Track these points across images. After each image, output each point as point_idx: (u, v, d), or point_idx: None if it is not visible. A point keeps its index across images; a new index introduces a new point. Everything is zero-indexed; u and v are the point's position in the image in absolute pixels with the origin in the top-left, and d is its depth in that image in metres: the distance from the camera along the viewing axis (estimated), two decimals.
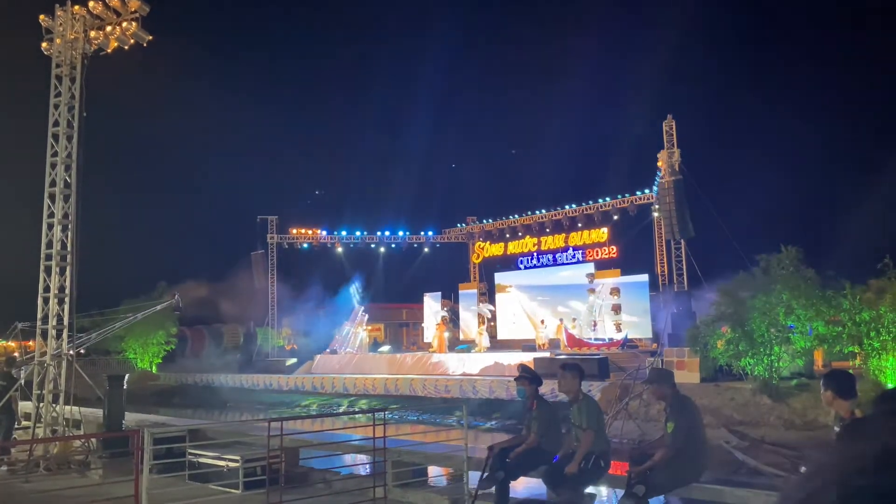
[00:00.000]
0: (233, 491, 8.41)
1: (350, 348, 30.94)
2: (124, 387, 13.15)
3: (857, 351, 15.68)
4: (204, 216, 55.28)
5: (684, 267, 26.18)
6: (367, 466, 8.89)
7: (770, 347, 16.10)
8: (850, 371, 10.75)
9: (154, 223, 55.77)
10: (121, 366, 33.55)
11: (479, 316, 30.79)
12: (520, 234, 32.55)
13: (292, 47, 69.99)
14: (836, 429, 4.87)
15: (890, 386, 14.54)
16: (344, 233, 36.24)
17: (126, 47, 13.75)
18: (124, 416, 12.95)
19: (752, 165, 35.89)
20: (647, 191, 28.73)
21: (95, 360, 33.97)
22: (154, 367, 35.56)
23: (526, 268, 31.94)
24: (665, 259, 28.42)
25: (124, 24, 13.49)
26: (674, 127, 26.05)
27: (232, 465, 8.87)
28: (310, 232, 36.01)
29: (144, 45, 13.82)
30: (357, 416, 21.65)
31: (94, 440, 11.91)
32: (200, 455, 9.42)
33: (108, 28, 13.55)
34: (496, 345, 29.92)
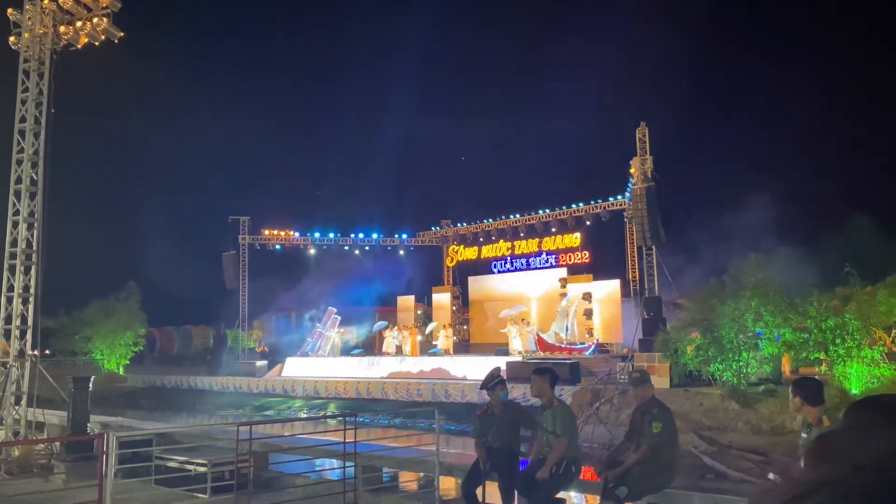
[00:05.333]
0: (200, 496, 8.28)
1: (321, 351, 30.74)
2: (90, 389, 12.89)
3: (822, 357, 15.94)
4: (175, 216, 54.57)
5: (655, 273, 26.45)
6: (338, 471, 8.82)
7: (739, 353, 16.31)
8: (817, 377, 10.93)
9: (124, 222, 54.94)
10: (87, 367, 32.97)
11: (444, 324, 30.77)
12: (494, 238, 32.63)
13: (267, 47, 69.52)
14: (804, 434, 4.93)
15: (854, 392, 14.81)
16: (317, 234, 36.02)
17: (97, 43, 13.55)
18: (89, 419, 12.70)
19: (724, 173, 36.47)
20: (619, 197, 28.98)
21: (61, 362, 33.34)
22: (121, 369, 34.99)
23: (500, 272, 32.02)
24: (636, 265, 28.68)
25: (95, 20, 13.29)
26: (647, 134, 26.32)
27: (200, 469, 8.73)
28: (282, 233, 35.72)
29: (116, 41, 13.63)
30: (328, 420, 21.48)
31: (57, 443, 11.66)
32: (168, 459, 9.26)
33: (79, 23, 13.34)
34: (470, 348, 29.98)
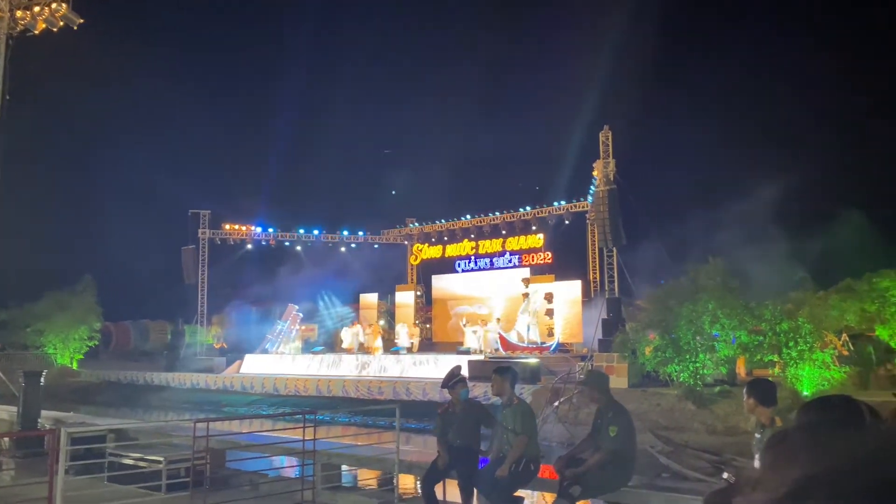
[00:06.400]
0: (155, 493, 8.13)
1: (282, 348, 30.45)
2: (41, 383, 12.56)
3: (776, 359, 16.32)
4: (134, 208, 53.48)
5: (615, 274, 26.77)
6: (296, 469, 8.76)
7: (695, 355, 16.61)
8: (770, 379, 11.19)
9: (81, 214, 53.64)
10: (38, 361, 32.10)
11: (413, 323, 30.75)
12: (458, 237, 32.70)
13: (232, 41, 68.59)
14: (757, 435, 5.04)
15: (805, 393, 15.20)
16: (279, 230, 35.65)
17: (55, 29, 13.20)
18: (40, 415, 12.37)
19: (686, 177, 37.09)
20: (582, 199, 29.29)
21: (11, 356, 32.43)
22: (75, 364, 34.18)
23: (463, 271, 32.09)
24: (597, 266, 29.02)
25: (53, 5, 12.96)
26: (610, 138, 26.63)
27: (155, 466, 8.57)
28: (243, 228, 35.27)
29: (75, 27, 13.30)
30: (286, 417, 21.29)
31: (6, 439, 11.34)
32: (122, 456, 9.07)
33: (36, 8, 12.99)
34: (432, 347, 30.00)
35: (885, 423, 1.91)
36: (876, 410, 2.15)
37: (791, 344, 15.80)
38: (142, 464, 8.72)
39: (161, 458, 8.51)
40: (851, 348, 18.38)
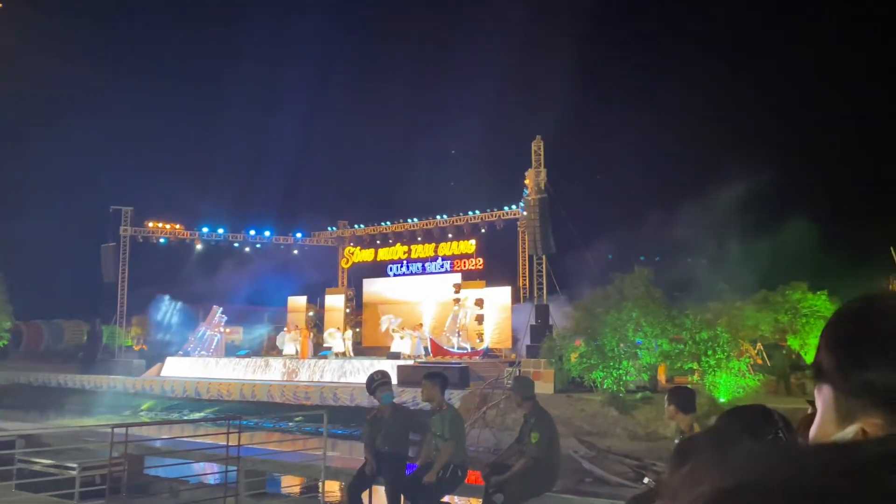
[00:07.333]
0: (68, 501, 7.80)
1: (205, 351, 29.66)
2: None
3: (695, 367, 16.90)
4: (50, 202, 51.01)
5: (545, 281, 27.21)
6: (219, 475, 8.56)
7: (619, 362, 17.03)
8: (689, 386, 11.59)
9: None
10: None
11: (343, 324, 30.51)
12: (391, 241, 32.60)
13: (159, 35, 66.38)
14: (677, 440, 5.21)
15: (722, 400, 15.80)
16: (205, 229, 34.71)
17: None
18: None
19: (616, 188, 37.88)
20: (514, 206, 29.67)
21: None
22: None
23: (395, 275, 32.02)
24: (527, 273, 29.45)
25: None
26: (542, 147, 27.10)
27: (68, 473, 8.22)
28: (167, 226, 34.16)
29: None
30: (209, 422, 20.75)
31: None
32: (32, 462, 8.67)
33: None
34: (361, 351, 29.82)
35: (795, 433, 2.02)
36: (787, 420, 2.28)
37: (710, 352, 16.39)
38: (54, 470, 8.35)
39: (75, 465, 8.18)
40: (766, 357, 19.23)
